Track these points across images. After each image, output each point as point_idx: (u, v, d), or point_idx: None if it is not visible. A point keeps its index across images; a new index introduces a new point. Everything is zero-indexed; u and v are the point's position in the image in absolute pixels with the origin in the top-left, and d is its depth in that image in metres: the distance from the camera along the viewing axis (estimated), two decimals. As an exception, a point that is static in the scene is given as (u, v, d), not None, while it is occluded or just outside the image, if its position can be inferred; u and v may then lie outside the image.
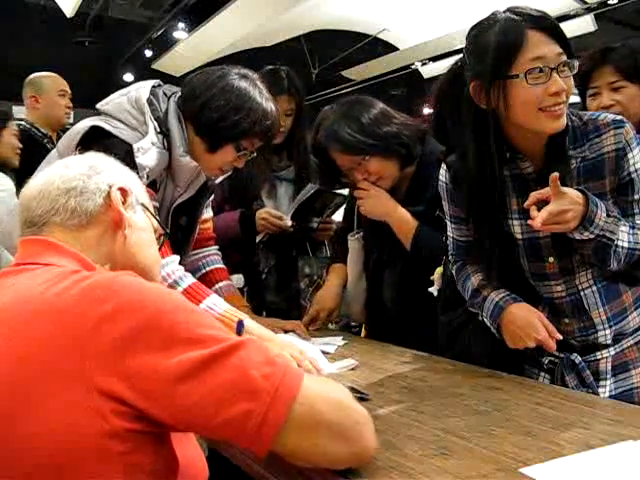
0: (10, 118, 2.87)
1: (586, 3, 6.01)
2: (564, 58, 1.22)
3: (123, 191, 1.00)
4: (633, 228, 1.30)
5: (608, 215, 1.26)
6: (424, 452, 0.94)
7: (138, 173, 1.52)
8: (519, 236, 1.38)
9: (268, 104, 1.64)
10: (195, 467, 0.90)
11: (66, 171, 0.97)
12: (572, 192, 1.24)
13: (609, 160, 1.31)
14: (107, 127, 1.55)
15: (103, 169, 1.00)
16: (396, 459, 0.91)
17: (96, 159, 1.03)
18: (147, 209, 1.06)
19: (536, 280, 1.41)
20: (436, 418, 1.09)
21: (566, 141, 1.32)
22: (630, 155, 1.30)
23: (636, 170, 1.31)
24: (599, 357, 1.37)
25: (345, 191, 2.24)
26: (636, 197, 1.32)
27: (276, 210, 2.24)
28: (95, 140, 1.52)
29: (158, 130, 1.58)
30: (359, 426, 0.81)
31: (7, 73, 7.10)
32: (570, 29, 6.23)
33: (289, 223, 2.11)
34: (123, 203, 0.99)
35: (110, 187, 0.98)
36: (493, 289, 1.42)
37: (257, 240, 2.21)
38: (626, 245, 1.28)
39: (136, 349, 0.74)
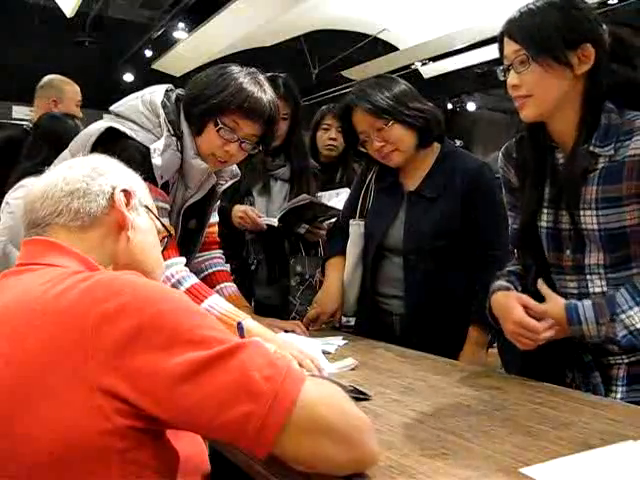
0: None
1: (586, 3, 6.01)
2: (521, 54, 1.30)
3: (126, 193, 1.00)
4: None
5: (599, 323, 1.25)
6: (424, 452, 0.94)
7: (154, 174, 1.54)
8: (544, 224, 1.40)
9: (252, 85, 1.61)
10: (195, 461, 0.90)
11: (70, 172, 0.98)
12: (550, 314, 1.29)
13: (630, 164, 1.27)
14: (122, 129, 1.56)
15: (106, 171, 1.00)
16: (396, 459, 0.91)
17: (99, 161, 1.03)
18: (150, 211, 1.06)
19: (554, 273, 1.41)
20: (436, 418, 1.09)
21: (593, 137, 1.31)
22: None
23: None
24: (612, 362, 1.33)
25: (339, 205, 2.26)
26: None
27: (267, 208, 2.26)
28: (110, 142, 1.53)
29: (172, 132, 1.60)
30: (360, 433, 0.81)
31: (7, 73, 7.12)
32: (570, 29, 6.24)
33: (275, 224, 2.13)
34: (126, 205, 0.99)
35: (113, 189, 0.98)
36: (503, 278, 1.44)
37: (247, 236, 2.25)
38: None
39: (138, 348, 0.74)
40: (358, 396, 1.17)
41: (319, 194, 2.47)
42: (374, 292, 1.91)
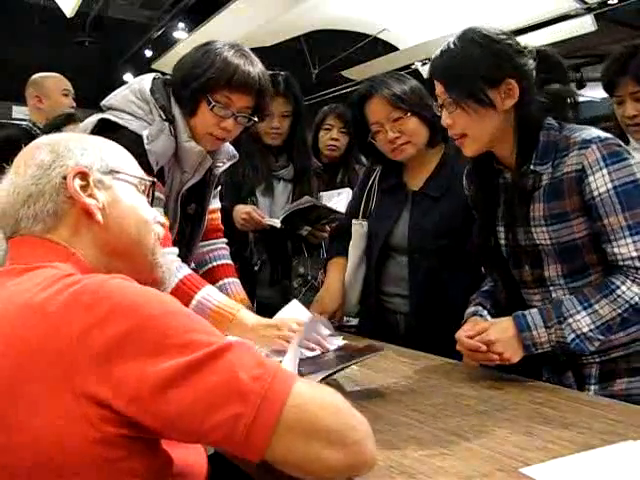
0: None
1: (586, 3, 6.00)
2: (447, 95, 1.35)
3: (81, 174, 0.92)
4: (590, 306, 1.26)
5: (547, 327, 1.27)
6: (424, 452, 0.94)
7: (149, 161, 1.53)
8: (503, 242, 1.45)
9: (238, 58, 1.59)
10: (192, 464, 0.89)
11: (17, 179, 0.92)
12: (497, 325, 1.32)
13: (568, 181, 1.31)
14: (114, 119, 1.57)
15: (51, 160, 0.92)
16: (396, 459, 0.91)
17: (42, 152, 0.94)
18: (118, 172, 0.98)
19: (521, 288, 1.46)
20: (436, 418, 1.09)
21: (533, 157, 1.35)
22: (592, 178, 1.28)
23: (600, 194, 1.27)
24: (585, 362, 1.36)
25: (340, 206, 2.26)
26: (605, 222, 1.28)
27: (271, 209, 2.26)
28: (104, 133, 1.53)
29: (164, 117, 1.60)
30: (357, 433, 0.77)
31: (7, 73, 7.11)
32: (570, 29, 6.22)
33: (278, 225, 2.12)
34: (86, 186, 0.92)
35: (65, 178, 0.91)
36: (472, 305, 1.51)
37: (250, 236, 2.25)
38: (593, 327, 1.25)
39: (123, 356, 0.72)
40: (370, 355, 1.21)
41: (320, 194, 2.47)
42: (378, 291, 1.91)
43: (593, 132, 1.31)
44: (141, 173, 1.04)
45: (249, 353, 0.76)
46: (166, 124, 1.59)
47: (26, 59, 7.29)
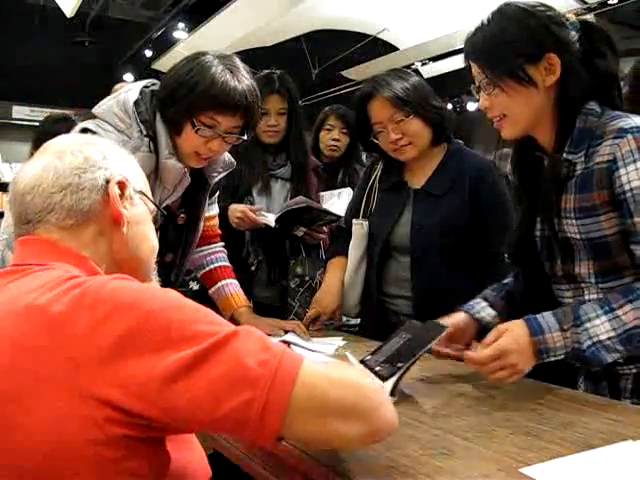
0: None
1: (586, 3, 6.00)
2: (484, 76, 1.28)
3: (121, 184, 0.95)
4: (612, 311, 1.16)
5: (563, 330, 1.18)
6: (425, 452, 0.94)
7: None
8: (538, 233, 1.37)
9: (225, 74, 1.53)
10: (195, 468, 0.89)
11: (59, 164, 0.91)
12: (508, 333, 1.20)
13: (598, 172, 1.22)
14: (94, 129, 1.55)
15: (98, 159, 0.94)
16: (396, 459, 0.91)
17: (91, 148, 0.96)
18: (144, 194, 1.02)
19: (553, 283, 1.38)
20: (436, 418, 1.09)
21: (566, 144, 1.27)
22: (623, 171, 1.18)
23: (632, 189, 1.17)
24: (620, 372, 1.27)
25: (339, 208, 2.25)
26: (636, 220, 1.18)
27: (268, 208, 2.26)
28: None
29: (144, 133, 1.56)
30: (368, 400, 0.78)
31: (7, 73, 7.12)
32: (570, 29, 6.22)
33: (272, 224, 2.12)
34: (121, 196, 0.95)
35: (108, 182, 0.93)
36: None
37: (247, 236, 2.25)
38: (613, 334, 1.15)
39: (129, 354, 0.72)
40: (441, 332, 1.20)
41: (321, 194, 2.46)
42: (380, 292, 1.90)
43: (634, 121, 1.20)
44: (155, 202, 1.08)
45: (254, 338, 0.77)
46: (145, 140, 1.55)
47: (26, 59, 7.30)
